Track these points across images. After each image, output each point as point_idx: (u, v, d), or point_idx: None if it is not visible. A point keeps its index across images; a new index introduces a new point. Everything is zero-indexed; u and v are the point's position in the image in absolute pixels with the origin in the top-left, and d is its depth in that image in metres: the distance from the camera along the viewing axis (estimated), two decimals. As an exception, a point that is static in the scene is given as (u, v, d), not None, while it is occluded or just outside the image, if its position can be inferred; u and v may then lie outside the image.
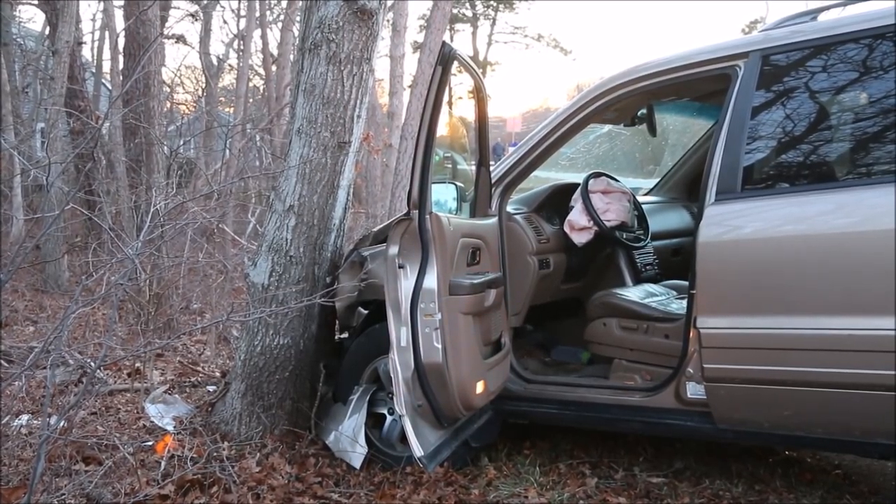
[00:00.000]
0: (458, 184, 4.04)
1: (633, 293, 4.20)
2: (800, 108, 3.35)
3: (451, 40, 37.66)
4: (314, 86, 3.97)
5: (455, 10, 37.55)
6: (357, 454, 3.85)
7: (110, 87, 15.65)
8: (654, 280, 4.60)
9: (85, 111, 8.37)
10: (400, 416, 3.59)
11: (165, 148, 7.59)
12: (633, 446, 4.16)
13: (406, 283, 3.49)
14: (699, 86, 3.92)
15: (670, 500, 3.56)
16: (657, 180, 5.74)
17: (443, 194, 3.93)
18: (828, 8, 3.51)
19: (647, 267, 4.69)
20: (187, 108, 14.81)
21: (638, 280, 4.57)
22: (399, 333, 3.51)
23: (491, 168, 4.06)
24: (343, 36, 3.93)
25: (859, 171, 3.22)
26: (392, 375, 3.54)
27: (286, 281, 4.03)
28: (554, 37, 50.19)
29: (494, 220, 4.03)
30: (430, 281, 3.44)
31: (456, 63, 3.56)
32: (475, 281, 3.57)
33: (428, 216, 3.43)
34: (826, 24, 3.35)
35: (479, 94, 4.01)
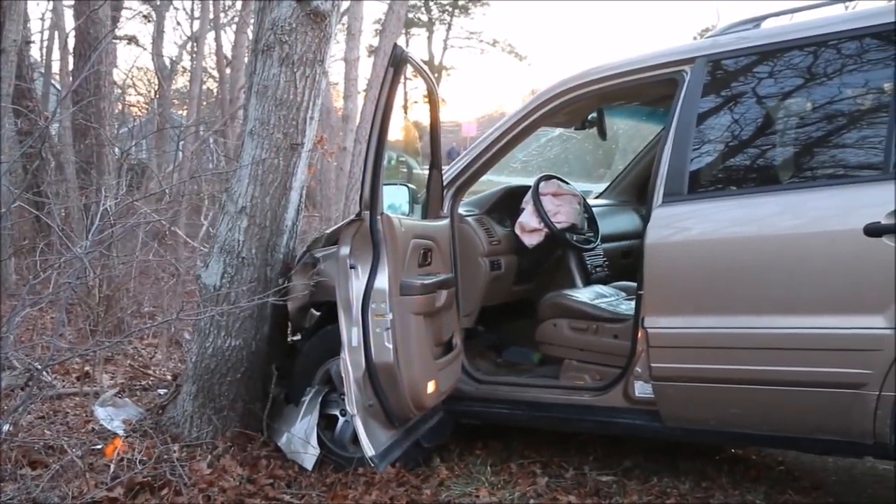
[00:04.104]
0: (411, 186, 4.07)
1: (583, 294, 4.26)
2: (744, 113, 3.44)
3: (407, 45, 37.68)
4: (267, 87, 3.97)
5: (411, 15, 37.56)
6: (309, 455, 3.84)
7: (59, 87, 15.36)
8: (604, 281, 4.66)
9: (33, 111, 8.23)
10: (351, 416, 3.59)
11: (116, 149, 7.50)
12: (584, 446, 4.21)
13: (357, 284, 3.50)
14: (648, 90, 4.00)
15: (619, 497, 3.61)
16: (608, 183, 5.82)
17: (395, 196, 3.96)
18: (773, 15, 3.60)
19: (597, 268, 4.75)
20: (139, 109, 14.64)
21: (588, 281, 4.62)
22: (350, 333, 3.52)
23: (443, 170, 4.09)
24: (296, 38, 3.93)
25: (803, 174, 3.32)
26: (343, 375, 3.55)
27: (238, 282, 4.01)
28: (509, 42, 50.32)
29: (446, 221, 4.06)
30: (382, 281, 3.45)
31: (409, 66, 3.58)
32: (426, 281, 3.60)
33: (379, 217, 3.44)
34: (768, 32, 3.45)
35: (431, 97, 4.04)
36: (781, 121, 3.42)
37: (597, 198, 5.65)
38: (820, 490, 3.71)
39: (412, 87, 35.36)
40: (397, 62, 3.46)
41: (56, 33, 14.18)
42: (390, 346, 3.46)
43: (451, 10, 41.59)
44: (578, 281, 4.59)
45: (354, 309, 3.51)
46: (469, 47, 51.19)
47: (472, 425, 4.27)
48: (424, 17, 41.49)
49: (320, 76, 4.07)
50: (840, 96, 3.24)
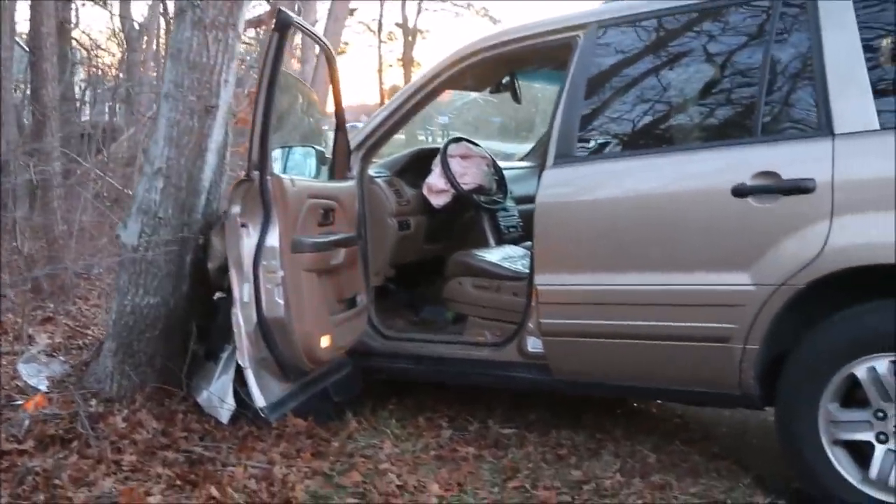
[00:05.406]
0: (319, 148, 4.15)
1: (491, 254, 4.38)
2: (629, 78, 3.58)
3: (381, 7, 37.38)
4: (180, 50, 4.02)
5: (386, -23, 37.19)
6: (225, 410, 3.94)
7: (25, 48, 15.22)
8: (516, 242, 4.78)
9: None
10: (243, 369, 3.71)
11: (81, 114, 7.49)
12: (490, 401, 4.34)
13: (248, 242, 3.60)
14: (547, 54, 4.10)
15: (516, 448, 3.75)
16: (531, 146, 5.93)
17: (303, 158, 4.05)
18: None
19: (511, 229, 4.87)
20: (104, 71, 14.52)
21: (501, 241, 4.74)
22: (242, 290, 3.62)
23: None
24: (208, 2, 3.99)
25: (681, 137, 3.46)
26: (234, 329, 3.66)
27: (156, 242, 4.09)
28: (483, 6, 49.92)
29: (352, 182, 4.15)
30: (272, 239, 3.55)
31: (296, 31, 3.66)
32: (318, 240, 3.70)
33: (269, 178, 3.54)
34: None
35: (329, 60, 4.13)
36: (662, 86, 3.53)
37: (521, 159, 5.75)
38: (708, 440, 3.87)
39: (388, 51, 35.08)
40: (282, 27, 3.54)
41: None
42: (281, 302, 3.56)
43: (426, -29, 41.16)
44: (491, 241, 4.71)
45: (246, 266, 3.60)
46: (443, 10, 50.71)
47: (388, 382, 4.39)
48: (400, -21, 41.08)
49: (234, 40, 4.12)
50: (717, 62, 3.37)
